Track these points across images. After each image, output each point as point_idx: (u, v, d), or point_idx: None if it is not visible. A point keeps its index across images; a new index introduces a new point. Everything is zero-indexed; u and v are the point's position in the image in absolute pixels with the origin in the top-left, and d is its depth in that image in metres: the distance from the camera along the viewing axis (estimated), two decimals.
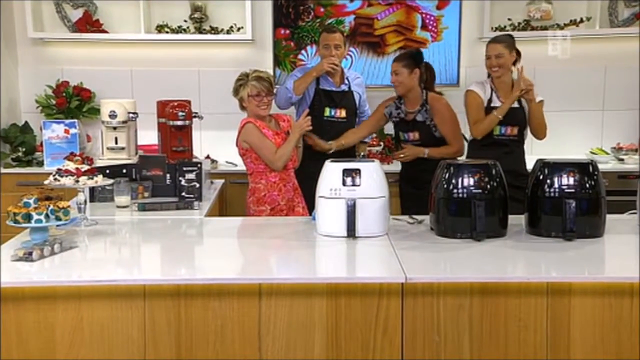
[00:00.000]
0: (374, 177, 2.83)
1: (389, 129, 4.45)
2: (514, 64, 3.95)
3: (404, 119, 4.04)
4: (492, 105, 3.95)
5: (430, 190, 2.90)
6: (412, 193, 3.99)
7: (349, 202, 2.75)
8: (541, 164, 2.87)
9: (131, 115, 3.81)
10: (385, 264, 2.55)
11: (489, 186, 2.78)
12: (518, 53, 3.97)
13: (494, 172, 2.81)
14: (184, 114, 3.86)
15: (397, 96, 4.11)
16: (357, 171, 2.81)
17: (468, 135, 4.13)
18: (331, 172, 2.85)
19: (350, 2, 5.09)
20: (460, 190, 2.77)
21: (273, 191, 3.68)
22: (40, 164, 4.82)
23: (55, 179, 3.04)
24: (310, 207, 3.40)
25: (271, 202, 3.70)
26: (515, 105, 3.92)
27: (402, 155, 4.01)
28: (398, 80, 3.96)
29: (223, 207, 4.41)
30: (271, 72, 5.10)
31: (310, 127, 3.75)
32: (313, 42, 5.11)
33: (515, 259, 2.63)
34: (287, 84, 4.36)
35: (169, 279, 2.35)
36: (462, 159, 3.89)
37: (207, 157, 4.88)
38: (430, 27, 5.10)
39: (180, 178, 3.57)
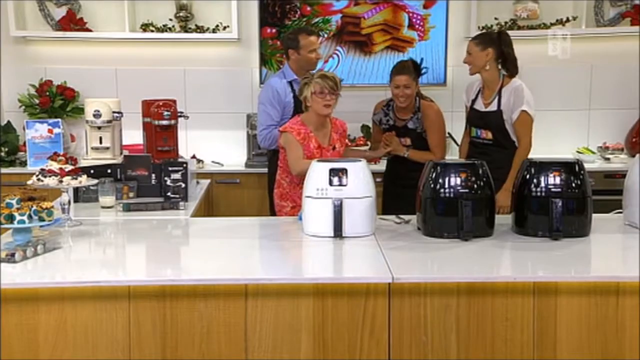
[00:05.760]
0: (360, 176, 2.82)
1: None
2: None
3: (395, 125, 3.97)
4: (474, 107, 3.88)
5: (417, 190, 2.89)
6: (397, 193, 3.94)
7: (336, 202, 2.74)
8: (527, 163, 2.88)
9: (116, 114, 3.77)
10: (372, 264, 2.54)
11: (475, 185, 2.78)
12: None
13: (480, 171, 2.81)
14: (169, 113, 3.83)
15: (385, 102, 4.04)
16: (344, 171, 2.79)
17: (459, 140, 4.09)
18: (318, 172, 2.83)
19: (337, 1, 5.06)
20: (447, 190, 2.76)
21: (295, 191, 3.65)
22: (23, 164, 4.77)
23: (38, 179, 3.00)
24: None
25: (292, 200, 3.67)
26: (489, 109, 3.78)
27: (384, 147, 3.91)
28: (407, 94, 3.85)
29: (209, 207, 4.38)
30: (257, 71, 5.08)
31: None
32: None
33: (502, 258, 2.63)
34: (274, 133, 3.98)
35: (154, 280, 2.34)
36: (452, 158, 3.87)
37: (193, 156, 4.85)
38: (417, 26, 5.09)
39: (166, 178, 3.55)
